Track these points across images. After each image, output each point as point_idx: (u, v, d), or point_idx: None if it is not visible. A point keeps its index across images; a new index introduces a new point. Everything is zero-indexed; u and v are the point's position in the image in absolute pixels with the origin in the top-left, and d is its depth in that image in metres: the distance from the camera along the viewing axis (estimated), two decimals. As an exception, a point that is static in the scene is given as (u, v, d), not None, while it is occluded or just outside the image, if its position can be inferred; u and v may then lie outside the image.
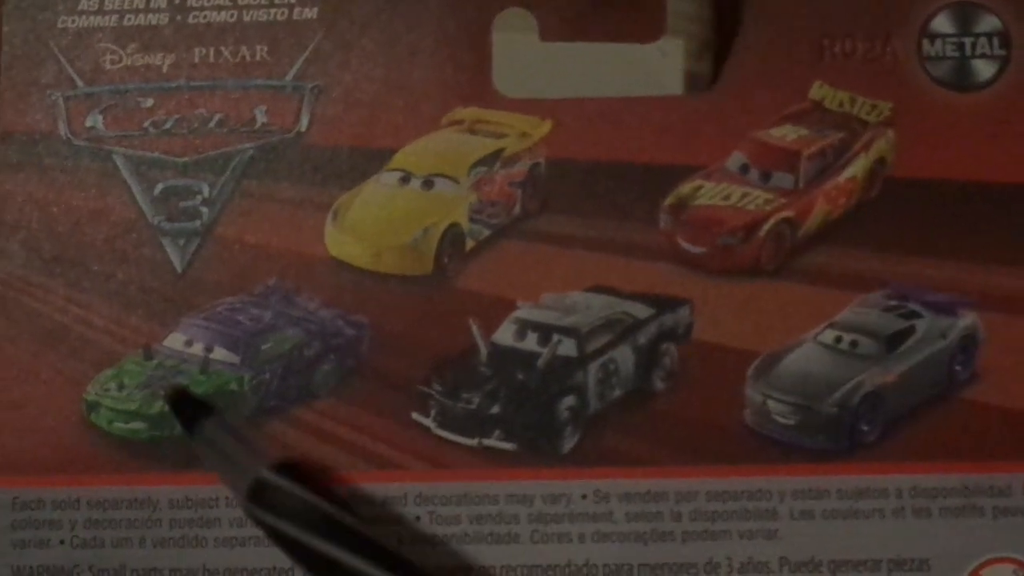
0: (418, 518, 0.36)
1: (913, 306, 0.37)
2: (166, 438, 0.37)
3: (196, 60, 0.38)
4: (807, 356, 0.37)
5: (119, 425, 0.37)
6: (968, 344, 0.37)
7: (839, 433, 0.36)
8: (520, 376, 0.37)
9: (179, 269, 0.38)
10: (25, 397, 0.37)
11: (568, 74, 0.38)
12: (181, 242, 0.38)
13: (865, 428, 0.36)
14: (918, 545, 0.36)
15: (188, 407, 0.35)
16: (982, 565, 0.35)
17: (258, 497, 0.34)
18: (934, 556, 0.36)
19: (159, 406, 0.37)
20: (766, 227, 0.37)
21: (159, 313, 0.37)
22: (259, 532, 0.36)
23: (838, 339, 0.37)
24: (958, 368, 0.36)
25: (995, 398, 0.36)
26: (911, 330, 0.37)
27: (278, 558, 0.36)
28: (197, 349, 0.37)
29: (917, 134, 0.37)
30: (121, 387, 0.37)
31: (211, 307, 0.37)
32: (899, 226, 0.37)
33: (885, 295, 0.37)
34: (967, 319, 0.37)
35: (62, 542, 0.36)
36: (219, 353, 0.37)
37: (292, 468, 0.34)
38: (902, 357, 0.37)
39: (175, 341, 0.37)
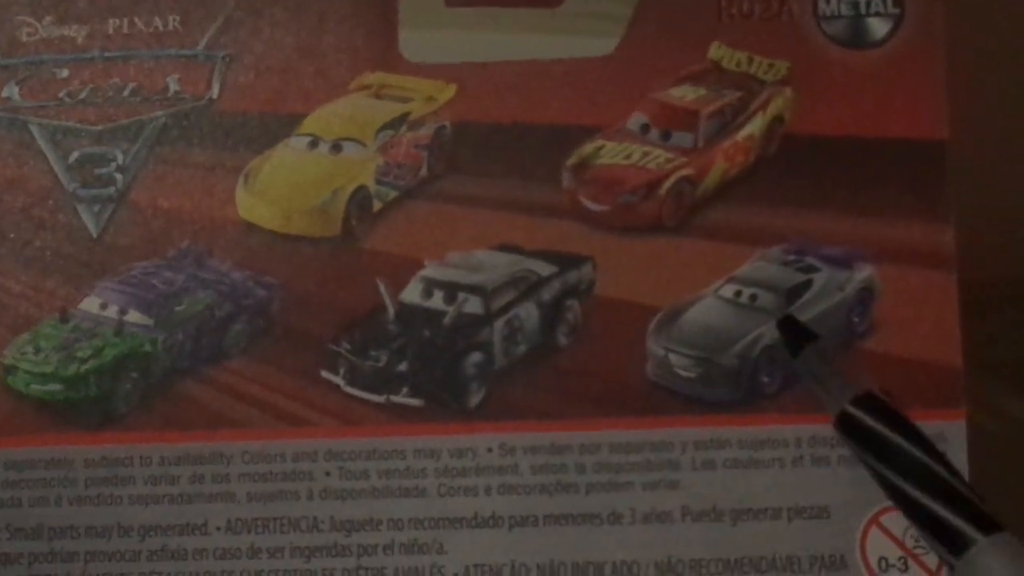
0: (328, 473, 0.34)
1: (811, 260, 0.35)
2: (82, 399, 0.35)
3: (110, 31, 0.36)
4: (708, 310, 0.35)
5: (36, 387, 0.35)
6: (865, 296, 0.34)
7: (739, 385, 0.34)
8: (427, 334, 0.35)
9: (94, 234, 0.35)
10: (-56, 362, 0.35)
11: (473, 39, 0.36)
12: (96, 208, 0.35)
13: (765, 380, 0.34)
14: (818, 493, 0.33)
15: (795, 332, 0.34)
16: (880, 512, 0.33)
17: (844, 427, 0.32)
18: (834, 503, 0.33)
19: (75, 368, 0.35)
20: (666, 185, 0.35)
21: (75, 278, 0.35)
22: (172, 490, 0.34)
23: (738, 293, 0.35)
24: (856, 319, 0.34)
25: (892, 347, 0.34)
26: (809, 283, 0.35)
27: (192, 514, 0.34)
28: (112, 312, 0.35)
29: (814, 92, 0.35)
30: (38, 350, 0.35)
31: (125, 271, 0.35)
32: (797, 182, 0.35)
33: (783, 250, 0.35)
34: (863, 272, 0.34)
35: (-20, 502, 0.35)
36: (133, 316, 0.35)
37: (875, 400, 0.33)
38: (801, 310, 0.34)
39: (91, 305, 0.35)
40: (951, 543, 0.31)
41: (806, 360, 0.33)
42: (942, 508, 0.31)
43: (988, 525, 0.31)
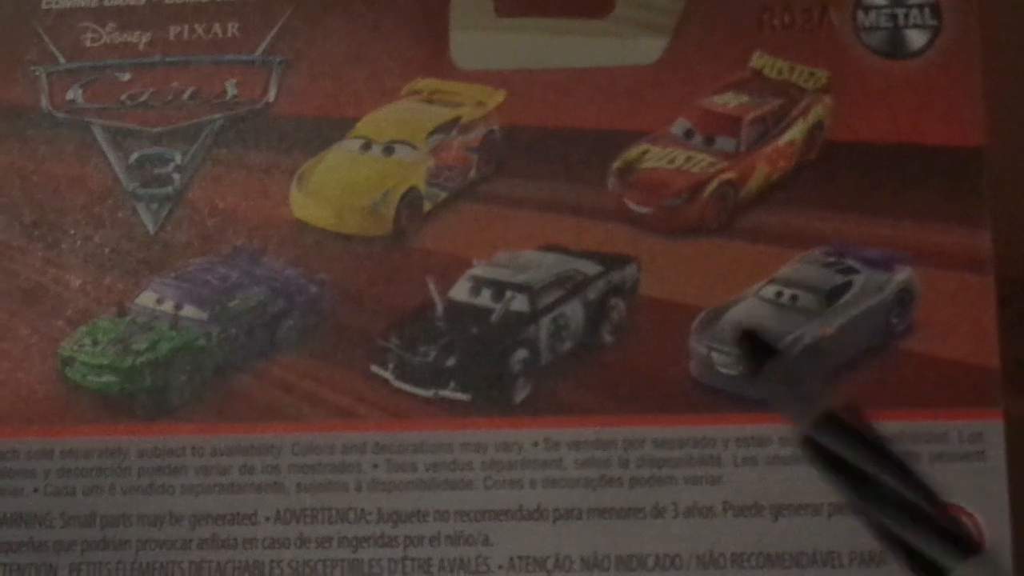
0: (376, 465, 0.33)
1: (851, 262, 0.34)
2: (137, 391, 0.34)
3: (171, 37, 0.36)
4: (749, 310, 0.34)
5: (92, 379, 0.34)
6: (904, 297, 0.34)
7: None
8: (474, 330, 0.34)
9: (152, 232, 0.35)
10: (2, 354, 0.35)
11: (522, 47, 0.35)
12: (154, 207, 0.35)
13: (805, 378, 0.34)
14: (857, 490, 0.33)
15: (755, 347, 0.31)
16: (919, 509, 0.33)
17: (809, 452, 0.29)
18: (873, 500, 0.33)
19: (130, 361, 0.34)
20: (709, 188, 0.35)
21: (132, 273, 0.35)
22: (223, 480, 0.34)
23: (779, 294, 0.34)
24: (894, 320, 0.34)
25: (930, 348, 0.33)
26: (849, 285, 0.34)
27: (242, 504, 0.34)
28: (168, 307, 0.34)
29: (852, 100, 0.34)
30: (95, 343, 0.34)
31: (181, 267, 0.35)
32: (837, 186, 0.34)
33: (824, 252, 0.34)
34: (903, 274, 0.34)
35: (35, 490, 0.33)
36: (188, 310, 0.35)
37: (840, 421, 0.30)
38: (841, 310, 0.34)
39: (147, 299, 0.34)
40: (931, 572, 0.28)
41: (766, 378, 0.32)
42: (916, 537, 0.28)
43: (966, 548, 0.28)
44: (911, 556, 0.28)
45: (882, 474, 0.29)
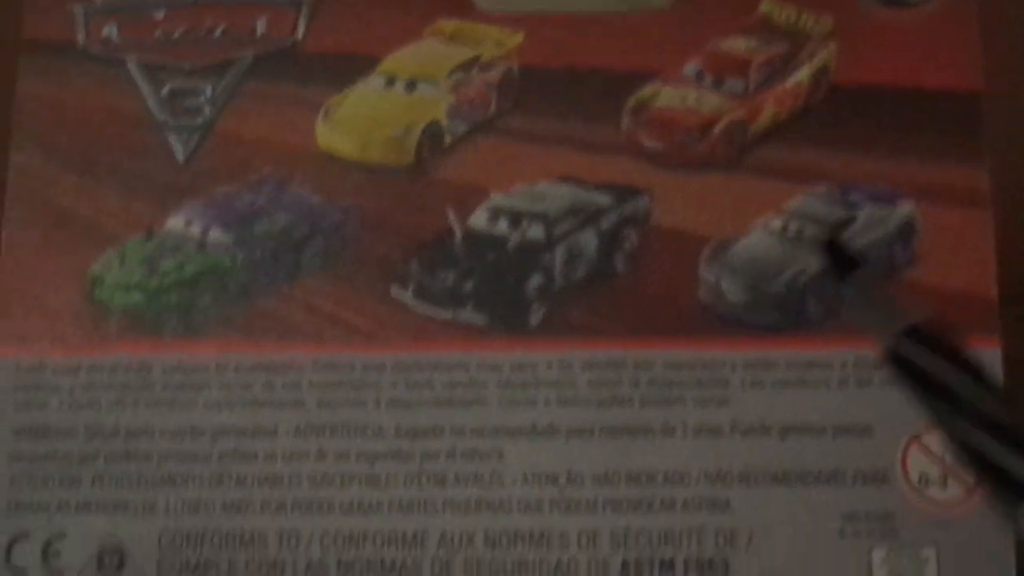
0: (394, 384, 0.34)
1: (855, 197, 0.35)
2: (163, 310, 0.35)
3: (204, -21, 0.37)
4: (757, 242, 0.35)
5: (120, 298, 0.35)
6: (906, 231, 0.35)
7: (786, 311, 0.34)
8: (492, 257, 0.35)
9: (181, 160, 0.36)
10: (34, 274, 0.35)
11: (540, -7, 0.37)
12: (184, 136, 0.36)
13: (811, 307, 0.34)
14: (862, 413, 0.33)
15: (840, 257, 0.30)
16: (921, 432, 0.34)
17: (892, 361, 0.28)
18: (877, 423, 0.33)
19: (157, 281, 0.35)
20: (719, 127, 0.36)
21: (161, 199, 0.35)
22: (245, 396, 0.34)
23: (785, 227, 0.35)
24: (898, 253, 0.35)
25: (932, 279, 0.34)
26: (853, 219, 0.35)
27: (263, 419, 0.34)
28: (195, 230, 0.35)
29: (856, 45, 0.35)
30: (123, 264, 0.35)
31: (209, 194, 0.36)
32: (841, 127, 0.35)
33: (828, 187, 0.35)
34: (904, 208, 0.35)
35: (60, 404, 0.34)
36: (215, 234, 0.35)
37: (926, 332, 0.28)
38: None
39: (175, 223, 0.35)
40: (1015, 491, 0.27)
41: (851, 287, 0.33)
42: (1003, 455, 0.27)
43: None
44: (995, 475, 0.27)
45: (968, 390, 0.28)
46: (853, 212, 0.35)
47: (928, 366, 0.28)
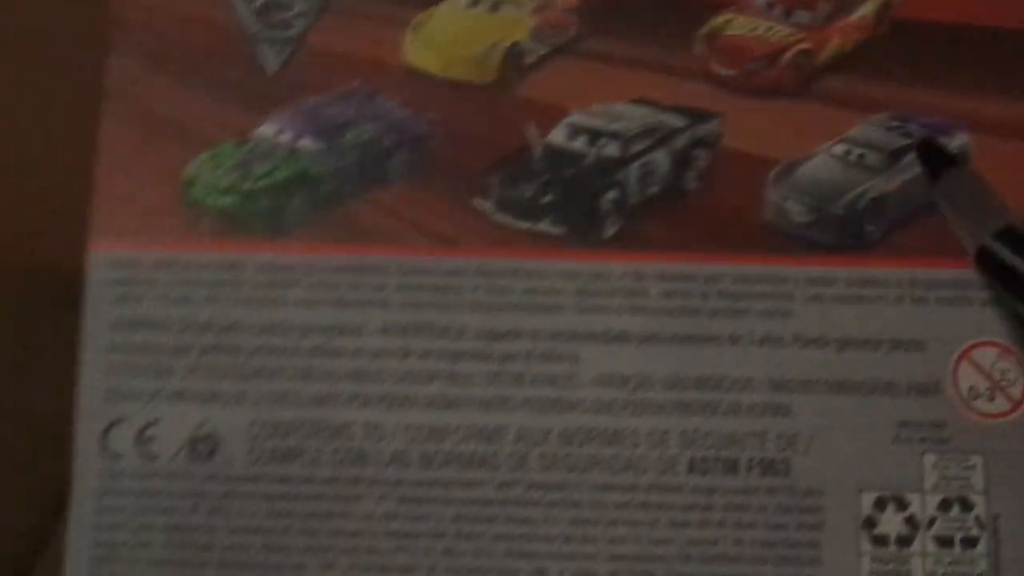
0: (476, 288, 0.36)
1: (912, 127, 0.37)
2: (255, 212, 0.36)
3: (296, -102, 0.39)
4: (821, 165, 0.37)
5: (213, 199, 0.36)
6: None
7: (847, 231, 0.36)
8: (569, 172, 0.36)
9: (272, 71, 0.37)
10: (129, 175, 0.36)
11: (619, -77, 0.38)
12: (276, 48, 0.37)
13: (870, 228, 0.36)
14: (915, 329, 0.35)
15: (935, 156, 0.33)
16: (971, 347, 0.35)
17: (983, 261, 0.31)
18: (929, 339, 0.35)
19: (250, 184, 0.36)
20: (787, 56, 0.37)
21: (253, 108, 0.37)
22: (332, 295, 0.36)
23: (847, 152, 0.37)
24: (952, 180, 0.37)
25: (983, 206, 0.37)
26: (911, 147, 0.37)
27: (350, 317, 0.36)
28: (286, 138, 0.37)
29: (920, -17, 0.38)
30: (217, 167, 0.36)
31: (300, 104, 0.37)
32: (902, 59, 0.37)
33: (888, 116, 0.37)
34: (959, 139, 0.37)
35: (156, 298, 0.36)
36: (305, 142, 0.37)
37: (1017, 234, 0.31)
38: (902, 169, 0.36)
39: (267, 130, 0.36)
40: None
41: (945, 186, 0.32)
42: None
43: None
44: None
45: None
46: (910, 141, 0.36)
47: (1017, 265, 0.30)
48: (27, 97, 0.42)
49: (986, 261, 0.31)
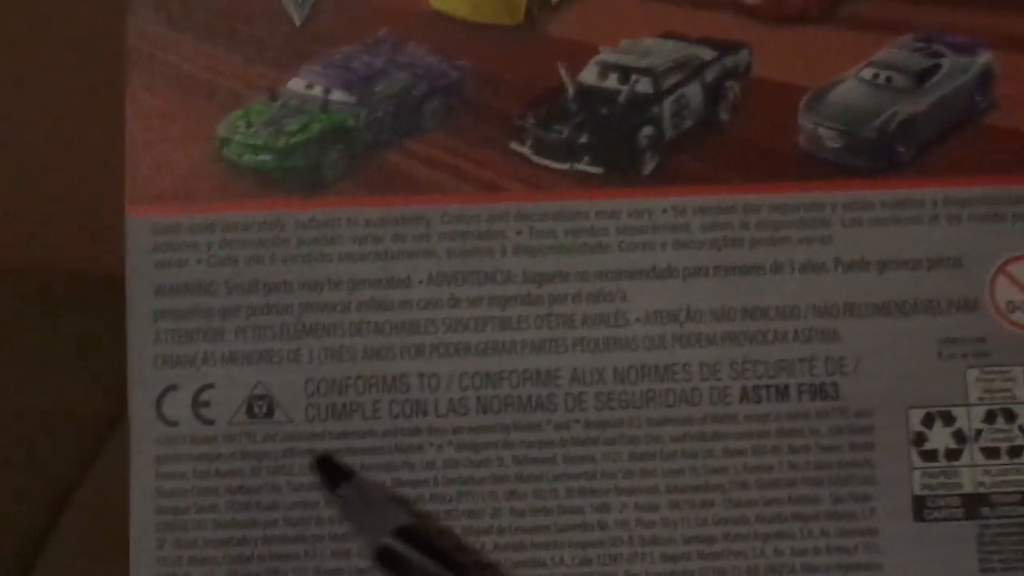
0: (519, 232, 0.35)
1: (937, 47, 0.37)
2: (291, 168, 0.35)
3: None
4: (850, 90, 0.36)
5: (249, 157, 0.35)
6: (985, 78, 0.36)
7: (879, 154, 0.36)
8: (604, 110, 0.36)
9: (298, 23, 0.36)
10: (161, 137, 0.35)
11: None
12: (299, 0, 0.37)
13: (902, 149, 0.36)
14: (952, 246, 0.35)
15: (331, 469, 0.34)
16: (1007, 262, 0.36)
17: (383, 560, 0.32)
18: (965, 255, 0.35)
19: (284, 140, 0.36)
20: (811, -18, 0.38)
21: (281, 62, 0.36)
22: (377, 248, 0.35)
23: (875, 75, 0.37)
24: (978, 98, 0.36)
25: (1010, 122, 0.36)
26: (937, 67, 0.37)
27: (396, 269, 0.35)
28: (317, 91, 0.36)
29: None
30: (249, 125, 0.35)
31: (328, 55, 0.36)
32: (924, -20, 0.37)
33: (914, 38, 0.37)
34: (984, 57, 0.36)
35: (199, 261, 0.35)
36: (337, 94, 0.36)
37: (415, 532, 0.33)
38: (930, 90, 0.37)
39: (297, 85, 0.36)
40: None
41: (344, 495, 0.33)
42: None
43: None
44: None
45: None
46: (936, 61, 0.36)
47: (417, 562, 0.32)
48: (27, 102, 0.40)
49: (387, 560, 0.32)
